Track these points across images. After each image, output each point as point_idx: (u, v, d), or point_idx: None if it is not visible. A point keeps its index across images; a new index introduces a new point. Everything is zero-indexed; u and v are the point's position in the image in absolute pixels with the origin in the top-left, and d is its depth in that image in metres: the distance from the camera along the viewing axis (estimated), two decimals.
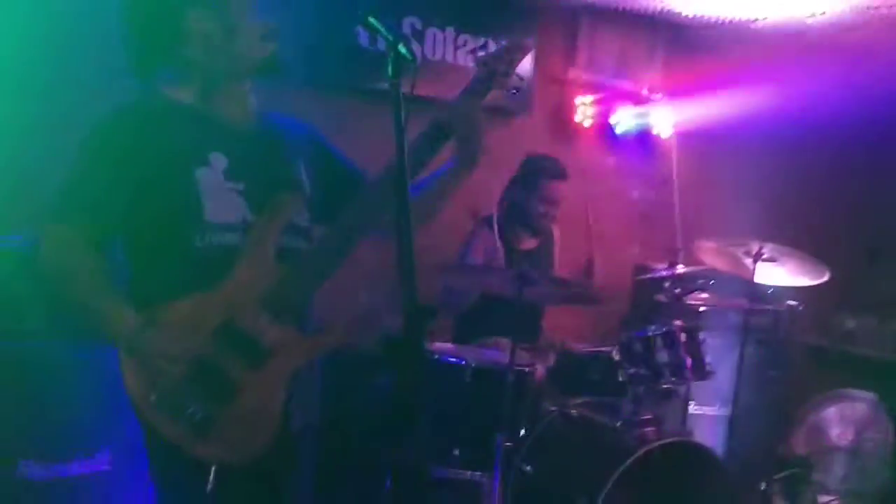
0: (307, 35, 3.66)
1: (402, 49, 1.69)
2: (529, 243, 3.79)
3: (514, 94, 2.07)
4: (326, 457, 3.40)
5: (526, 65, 4.32)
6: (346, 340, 1.93)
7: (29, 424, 2.53)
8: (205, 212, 1.84)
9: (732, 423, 3.68)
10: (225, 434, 1.79)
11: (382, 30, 1.74)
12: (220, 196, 1.87)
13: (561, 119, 4.65)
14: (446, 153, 2.01)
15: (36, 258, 1.84)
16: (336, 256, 1.90)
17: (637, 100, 4.70)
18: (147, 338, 1.77)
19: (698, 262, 3.76)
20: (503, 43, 2.12)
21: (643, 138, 4.82)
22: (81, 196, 1.83)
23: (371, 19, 1.75)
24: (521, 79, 2.09)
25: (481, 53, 2.11)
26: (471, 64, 4.17)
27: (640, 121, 4.74)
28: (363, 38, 3.78)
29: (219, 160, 1.88)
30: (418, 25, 4.00)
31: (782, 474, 4.47)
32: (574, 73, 4.64)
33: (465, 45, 4.15)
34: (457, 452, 3.03)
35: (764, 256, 3.52)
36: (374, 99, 3.48)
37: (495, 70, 2.00)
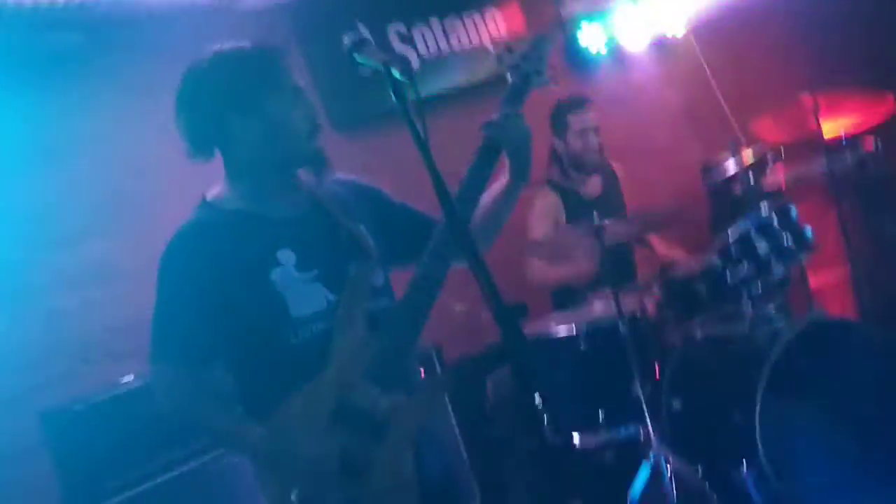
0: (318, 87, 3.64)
1: (395, 74, 1.68)
2: (594, 188, 3.73)
3: (555, 86, 2.06)
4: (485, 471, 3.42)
5: (518, 20, 4.30)
6: (444, 387, 1.92)
7: None
8: (290, 309, 1.86)
9: (856, 280, 3.56)
10: None
11: (370, 62, 1.74)
12: (298, 289, 1.88)
13: (572, 57, 4.57)
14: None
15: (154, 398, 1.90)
16: (424, 305, 1.88)
17: (644, 13, 4.59)
18: (276, 445, 1.78)
19: (762, 141, 3.64)
20: (528, 41, 2.08)
21: (660, 43, 4.71)
22: (172, 331, 1.87)
23: (356, 56, 1.75)
24: (555, 70, 2.07)
25: (508, 56, 2.06)
26: (467, 45, 4.15)
27: (652, 29, 4.63)
28: (365, 71, 3.77)
29: (287, 256, 1.89)
30: (403, 29, 3.98)
31: None
32: (566, 8, 4.55)
33: (453, 28, 4.12)
34: (602, 415, 3.01)
35: (823, 110, 3.39)
36: (392, 121, 3.48)
37: (528, 72, 1.99)
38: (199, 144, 1.92)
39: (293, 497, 1.79)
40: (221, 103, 1.87)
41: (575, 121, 3.63)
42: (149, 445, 2.63)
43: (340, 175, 2.09)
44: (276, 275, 1.87)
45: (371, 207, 2.09)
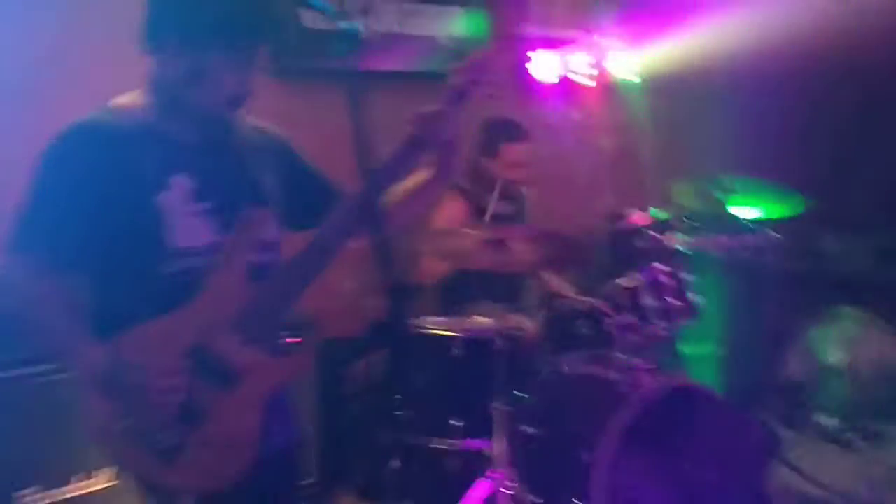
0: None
1: (344, 25, 1.65)
2: (503, 206, 3.76)
3: (492, 100, 2.02)
4: (328, 450, 3.38)
5: (480, 25, 4.30)
6: (311, 359, 1.89)
7: (31, 453, 2.53)
8: (168, 237, 1.78)
9: (726, 359, 3.69)
10: (196, 461, 1.74)
11: (322, 7, 1.70)
12: (183, 219, 1.80)
13: (520, 78, 4.59)
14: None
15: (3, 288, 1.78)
16: (311, 272, 1.86)
17: (595, 49, 4.66)
18: (116, 368, 1.71)
19: (674, 204, 3.74)
20: (482, 51, 2.04)
21: (605, 87, 4.78)
22: (38, 224, 1.76)
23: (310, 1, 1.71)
24: (498, 86, 2.03)
25: (459, 58, 2.02)
26: (421, 32, 4.12)
27: (601, 70, 4.71)
28: (308, 20, 3.69)
29: (181, 182, 1.81)
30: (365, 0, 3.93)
31: (782, 402, 4.52)
32: (529, 30, 4.58)
33: (413, 14, 4.09)
34: (459, 423, 3.02)
35: (737, 191, 3.52)
36: (329, 79, 3.42)
37: (474, 80, 1.96)
38: (149, 34, 1.80)
39: (117, 428, 1.71)
40: (181, 13, 1.76)
41: (510, 152, 3.62)
42: None
43: (259, 121, 2.02)
44: (162, 198, 1.78)
45: (281, 161, 2.03)
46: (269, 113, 2.08)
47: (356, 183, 1.76)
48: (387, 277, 1.57)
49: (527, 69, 4.58)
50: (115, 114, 1.83)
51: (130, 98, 1.87)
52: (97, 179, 1.74)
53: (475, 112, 2.11)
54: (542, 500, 2.92)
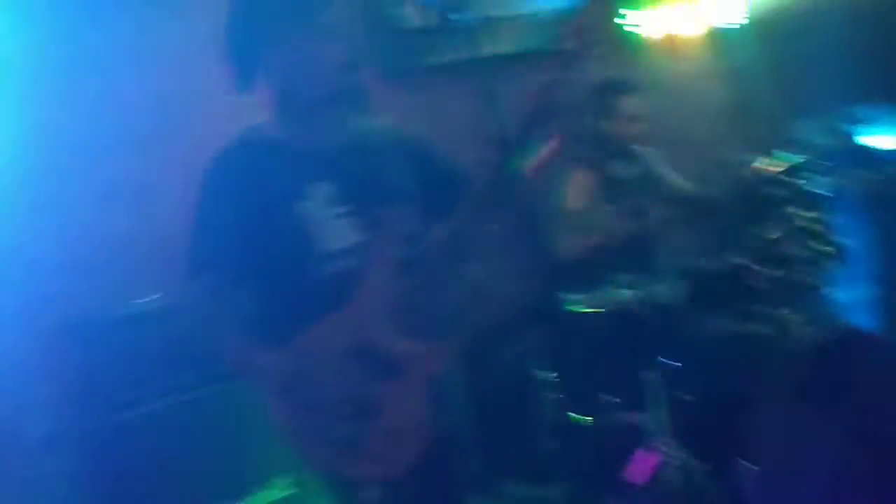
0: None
1: (455, 17, 1.65)
2: (629, 170, 3.66)
3: (603, 59, 2.02)
4: (488, 436, 3.42)
5: None
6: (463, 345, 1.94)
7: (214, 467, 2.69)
8: (317, 242, 1.86)
9: (884, 300, 3.53)
10: (374, 452, 1.82)
11: (431, 3, 1.71)
12: (327, 224, 1.88)
13: (621, 37, 4.49)
14: None
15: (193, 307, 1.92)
16: (456, 261, 1.89)
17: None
18: (292, 372, 1.80)
19: (804, 145, 3.59)
20: (583, 18, 1.95)
21: (711, 35, 4.63)
22: (206, 247, 1.88)
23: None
24: (606, 47, 2.05)
25: (562, 29, 2.00)
26: (523, 10, 4.07)
27: (696, 21, 4.56)
28: (408, 19, 3.71)
29: (319, 188, 1.89)
30: None
31: None
32: None
33: None
34: (613, 398, 3.01)
35: (868, 121, 3.35)
36: (442, 74, 3.45)
37: (585, 41, 1.89)
38: (240, 75, 1.89)
39: (309, 421, 1.80)
40: (253, 33, 1.85)
41: (624, 105, 3.53)
42: (165, 366, 2.66)
43: (387, 119, 2.07)
44: (304, 206, 1.86)
45: (412, 154, 2.06)
46: (389, 111, 2.12)
47: (486, 169, 1.78)
48: (535, 257, 1.57)
49: (630, 25, 4.47)
50: (254, 131, 1.94)
51: (264, 116, 1.95)
52: (250, 196, 1.84)
53: (586, 77, 2.06)
54: (709, 467, 2.87)
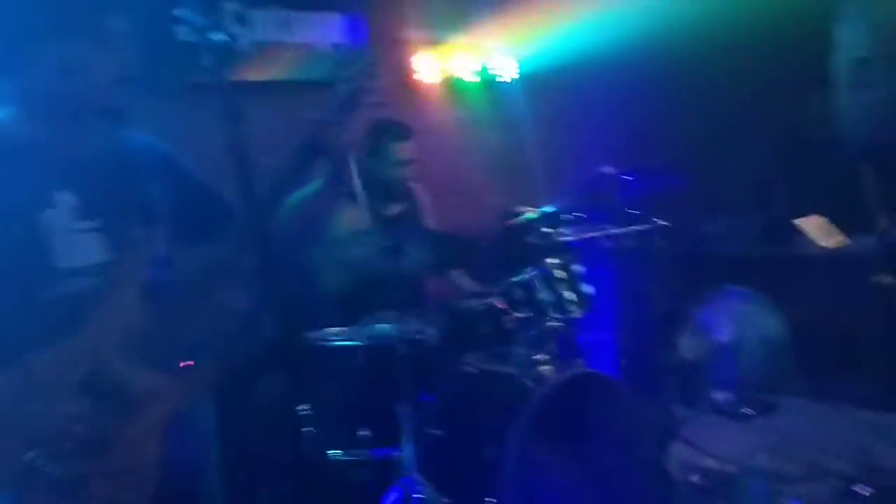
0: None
1: (216, 37, 1.62)
2: (394, 209, 3.77)
3: (379, 108, 2.09)
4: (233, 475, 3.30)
5: (362, 32, 4.29)
6: (209, 381, 1.88)
7: None
8: (53, 258, 1.71)
9: (621, 344, 3.80)
10: (100, 493, 1.69)
11: (193, 20, 1.67)
12: (70, 238, 1.73)
13: (404, 81, 4.61)
14: None
15: None
16: (207, 291, 1.85)
17: (478, 50, 4.72)
18: (14, 399, 1.64)
19: (562, 199, 3.84)
20: (363, 59, 2.06)
21: (489, 87, 4.86)
22: None
23: (178, 12, 1.67)
24: (381, 94, 2.07)
25: (342, 68, 2.04)
26: (301, 39, 4.08)
27: (484, 70, 4.77)
28: (182, 32, 3.59)
29: (65, 198, 1.74)
30: (239, 9, 3.84)
31: (676, 382, 4.70)
32: (410, 34, 4.60)
33: (293, 22, 4.04)
34: (365, 433, 3.01)
35: (623, 185, 3.64)
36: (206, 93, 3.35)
37: (360, 86, 1.97)
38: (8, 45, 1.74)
39: (29, 457, 1.63)
40: (25, 19, 1.70)
41: (394, 150, 3.65)
42: None
43: (145, 134, 1.98)
44: (47, 216, 1.71)
45: (169, 174, 1.98)
46: (149, 128, 2.03)
47: (249, 197, 1.73)
48: (275, 294, 1.55)
49: (411, 72, 4.60)
50: None
51: (3, 109, 1.79)
52: None
53: (361, 117, 2.12)
54: (452, 501, 2.93)
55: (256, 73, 3.78)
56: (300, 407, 2.76)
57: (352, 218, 3.57)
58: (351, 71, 2.01)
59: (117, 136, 1.89)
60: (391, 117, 3.74)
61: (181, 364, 1.86)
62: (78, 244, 1.75)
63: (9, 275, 1.69)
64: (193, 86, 3.46)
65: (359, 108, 2.01)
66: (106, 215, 1.79)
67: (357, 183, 3.67)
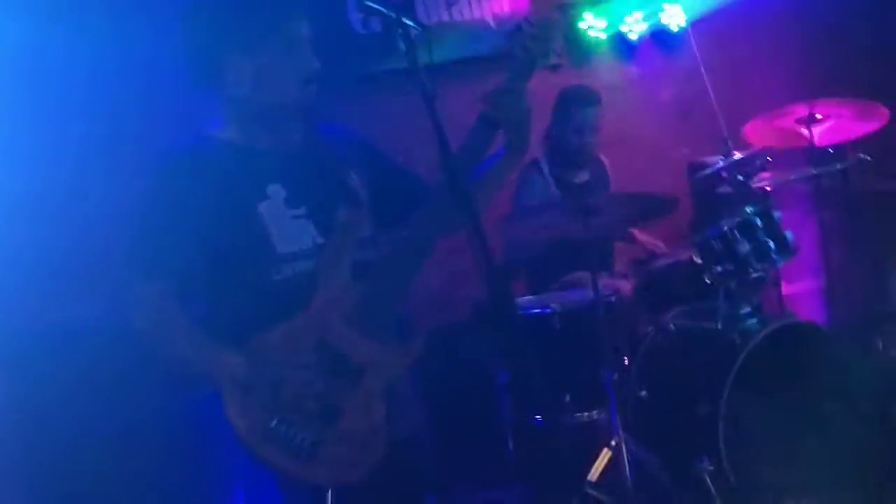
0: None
1: (407, 21, 1.67)
2: (582, 176, 3.75)
3: (556, 69, 2.07)
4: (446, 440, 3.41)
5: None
6: (422, 348, 1.94)
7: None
8: (275, 245, 1.86)
9: (829, 291, 3.60)
10: (334, 456, 1.81)
11: (382, 8, 1.72)
12: (286, 226, 1.88)
13: (574, 43, 4.55)
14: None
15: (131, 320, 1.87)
16: (412, 266, 1.91)
17: (644, 2, 4.58)
18: (257, 369, 1.78)
19: (751, 145, 3.66)
20: (537, 21, 2.06)
21: (660, 38, 4.70)
22: (156, 247, 1.84)
23: (368, 2, 1.74)
24: (560, 55, 2.07)
25: (519, 34, 2.05)
26: (468, 17, 4.12)
27: (652, 21, 4.62)
28: (356, 24, 3.72)
29: (276, 190, 1.89)
30: None
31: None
32: None
33: (456, 1, 4.08)
34: (568, 398, 3.02)
35: (816, 118, 3.42)
36: (382, 83, 3.46)
37: (535, 53, 1.99)
38: (199, 76, 1.90)
39: (273, 424, 1.78)
40: (216, 39, 1.85)
41: (579, 116, 3.62)
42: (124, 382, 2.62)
43: (337, 124, 2.10)
44: (263, 208, 1.86)
45: (365, 159, 2.09)
46: (341, 120, 2.13)
47: (438, 176, 1.79)
48: (484, 261, 1.59)
49: (582, 31, 4.54)
50: (204, 135, 1.93)
51: (214, 125, 1.95)
52: (201, 201, 1.82)
53: (547, 83, 2.11)
54: (662, 459, 2.90)
55: (436, 55, 3.85)
56: (502, 375, 2.83)
57: (541, 185, 3.61)
58: (524, 35, 2.02)
59: (314, 129, 2.01)
60: (581, 84, 3.72)
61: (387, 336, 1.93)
62: (293, 230, 1.88)
63: (239, 262, 1.86)
64: (377, 75, 3.60)
65: (532, 73, 2.01)
66: (312, 202, 1.92)
67: (545, 151, 3.69)
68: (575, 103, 3.62)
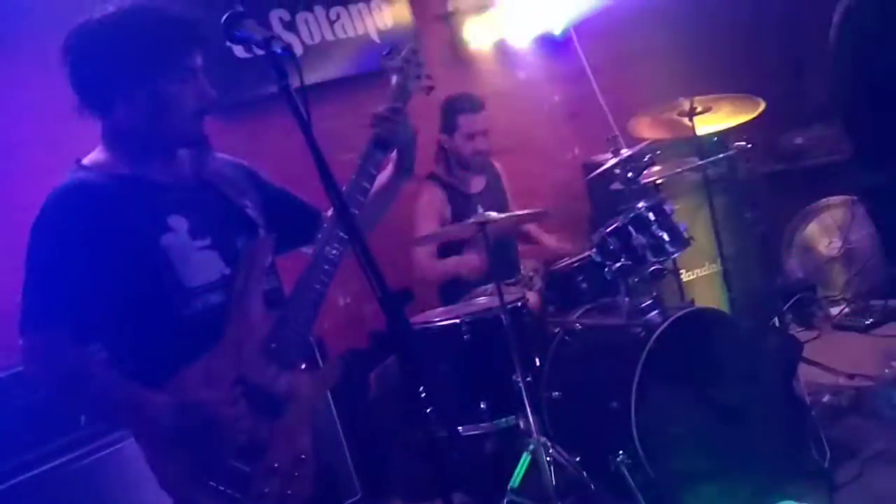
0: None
1: (277, 49, 1.64)
2: (477, 185, 3.78)
3: (430, 91, 2.13)
4: (366, 463, 3.38)
5: (404, 11, 4.28)
6: (340, 371, 1.96)
7: None
8: (182, 278, 1.79)
9: (726, 275, 3.71)
10: (266, 492, 1.77)
11: (251, 37, 1.70)
12: (192, 258, 1.81)
13: (458, 53, 4.58)
14: None
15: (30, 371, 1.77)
16: (320, 290, 1.89)
17: (525, 8, 4.65)
18: (181, 409, 1.71)
19: (639, 140, 3.75)
20: (407, 45, 2.13)
21: (544, 42, 4.78)
22: (51, 295, 1.74)
23: (236, 32, 1.70)
24: (430, 76, 2.14)
25: (388, 59, 2.10)
26: (352, 34, 4.10)
27: (535, 25, 4.69)
28: (238, 51, 3.65)
29: (179, 221, 1.82)
30: (286, 16, 3.89)
31: (789, 304, 4.57)
32: (452, 3, 4.56)
33: (338, 18, 4.06)
34: (484, 406, 3.03)
35: (697, 110, 3.52)
36: (268, 107, 3.42)
37: (409, 73, 2.06)
38: (88, 105, 1.82)
39: (193, 471, 1.72)
40: (109, 68, 1.77)
41: (466, 122, 3.65)
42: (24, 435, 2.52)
43: (221, 154, 2.05)
44: (166, 240, 1.79)
45: (254, 187, 2.06)
46: (225, 149, 2.09)
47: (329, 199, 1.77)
48: (375, 283, 1.57)
49: (462, 43, 4.57)
50: (93, 170, 1.83)
51: (95, 155, 1.87)
52: (98, 239, 1.73)
53: (430, 96, 2.16)
54: (579, 458, 2.93)
55: (314, 75, 3.82)
56: (419, 389, 2.81)
57: (438, 196, 3.62)
58: (396, 60, 2.08)
59: (205, 158, 1.97)
60: (463, 92, 3.75)
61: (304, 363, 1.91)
62: (200, 262, 1.83)
63: (146, 299, 1.78)
64: (258, 100, 3.55)
65: (411, 94, 2.07)
66: (215, 232, 1.87)
67: (440, 163, 3.72)
68: (460, 111, 3.65)
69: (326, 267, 1.88)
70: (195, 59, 1.84)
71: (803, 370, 3.45)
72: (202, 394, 1.73)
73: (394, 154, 2.08)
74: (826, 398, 3.57)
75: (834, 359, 3.87)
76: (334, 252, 1.89)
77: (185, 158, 1.93)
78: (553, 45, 4.80)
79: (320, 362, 2.34)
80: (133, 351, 1.81)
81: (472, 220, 2.99)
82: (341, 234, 1.87)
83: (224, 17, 1.71)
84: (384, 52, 2.12)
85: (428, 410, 2.98)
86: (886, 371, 3.39)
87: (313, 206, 2.15)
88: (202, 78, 1.85)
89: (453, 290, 3.57)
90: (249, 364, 1.80)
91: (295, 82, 1.63)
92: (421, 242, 3.49)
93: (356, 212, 1.90)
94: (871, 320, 4.41)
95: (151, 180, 1.85)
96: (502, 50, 4.69)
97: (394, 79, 2.07)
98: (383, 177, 2.09)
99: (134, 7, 1.80)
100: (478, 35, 4.57)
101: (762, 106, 3.59)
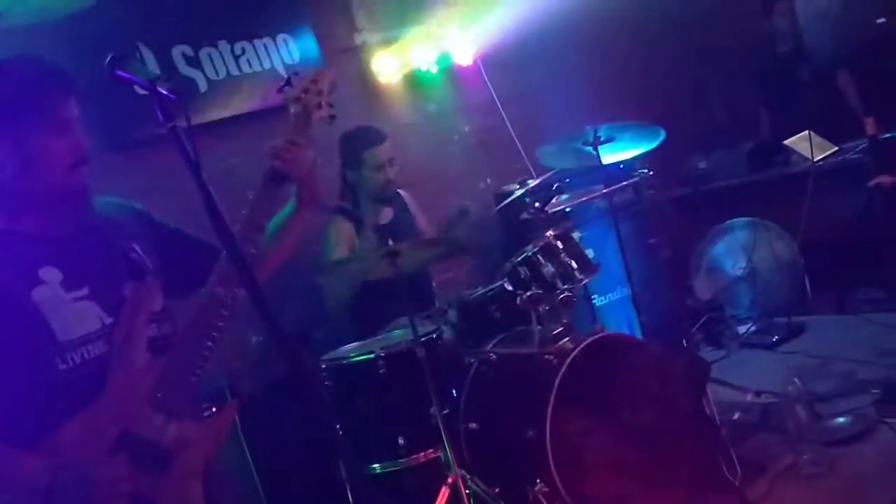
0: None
1: (161, 90, 1.62)
2: (386, 216, 3.76)
3: (332, 120, 2.09)
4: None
5: (311, 46, 4.26)
6: (233, 419, 1.87)
7: None
8: (56, 332, 1.71)
9: (635, 299, 3.79)
10: None
11: (136, 79, 1.66)
12: (66, 310, 1.73)
13: (367, 86, 4.59)
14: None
15: None
16: (211, 333, 1.81)
17: (434, 40, 4.69)
18: (59, 472, 1.61)
19: (546, 169, 3.81)
20: (304, 75, 2.10)
21: (453, 73, 4.83)
22: None
23: (119, 73, 1.66)
24: (333, 105, 2.10)
25: (287, 90, 2.07)
26: (258, 68, 4.07)
27: (443, 57, 4.74)
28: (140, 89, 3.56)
29: (52, 273, 1.74)
30: (189, 52, 3.83)
31: (699, 324, 4.69)
32: (360, 37, 4.58)
33: (243, 52, 4.02)
34: (402, 441, 3.00)
35: (602, 139, 3.60)
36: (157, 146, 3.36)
37: (308, 103, 2.02)
38: None
39: None
40: None
41: (370, 156, 3.63)
42: None
43: (111, 196, 1.98)
44: (37, 294, 1.71)
45: (144, 229, 1.99)
46: (128, 187, 2.04)
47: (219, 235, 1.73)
48: (270, 327, 1.54)
49: (370, 75, 4.58)
50: None
51: None
52: None
53: (330, 129, 2.14)
54: (499, 489, 2.93)
55: (219, 111, 3.77)
56: (334, 427, 2.76)
57: (345, 230, 3.59)
58: (295, 90, 2.04)
59: (88, 205, 1.88)
60: (361, 125, 3.73)
61: (204, 409, 1.85)
62: (76, 313, 1.74)
63: (20, 357, 1.68)
64: (160, 136, 3.46)
65: (311, 126, 2.03)
66: (94, 281, 1.78)
67: (346, 197, 3.69)
68: (364, 146, 3.62)
69: (220, 309, 1.81)
70: (72, 109, 1.78)
71: (712, 389, 3.53)
72: (78, 453, 1.64)
73: (295, 187, 2.05)
74: (735, 416, 3.66)
75: (742, 376, 3.98)
76: (226, 293, 1.82)
77: (67, 207, 1.84)
78: (462, 76, 4.85)
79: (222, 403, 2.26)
80: (7, 412, 1.70)
81: (382, 251, 2.97)
82: (233, 274, 1.79)
83: (107, 58, 1.67)
84: (282, 84, 2.09)
85: (342, 449, 3.00)
86: (789, 388, 3.50)
87: (214, 244, 2.09)
88: (78, 129, 1.79)
89: (366, 323, 3.54)
90: (133, 416, 1.71)
91: (182, 122, 1.61)
92: (329, 271, 3.43)
93: (253, 250, 1.86)
94: (776, 337, 4.56)
95: (24, 233, 1.77)
96: (411, 82, 4.71)
97: (292, 109, 2.04)
98: (286, 211, 2.06)
99: (6, 59, 1.75)
100: (386, 67, 4.58)
101: (662, 134, 3.69)
